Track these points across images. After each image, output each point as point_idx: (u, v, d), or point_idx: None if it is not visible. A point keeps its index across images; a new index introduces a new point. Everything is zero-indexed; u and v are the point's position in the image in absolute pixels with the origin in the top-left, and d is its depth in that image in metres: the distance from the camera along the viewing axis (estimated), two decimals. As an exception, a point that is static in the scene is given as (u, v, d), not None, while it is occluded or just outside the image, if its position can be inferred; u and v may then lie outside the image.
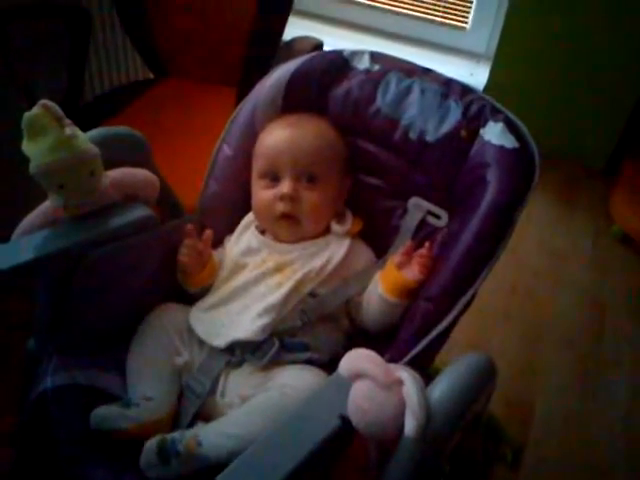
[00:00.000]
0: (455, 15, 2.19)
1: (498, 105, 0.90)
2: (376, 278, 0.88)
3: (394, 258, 0.86)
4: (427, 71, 0.96)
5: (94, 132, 0.88)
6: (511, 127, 0.86)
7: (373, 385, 0.57)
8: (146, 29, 1.64)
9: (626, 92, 1.95)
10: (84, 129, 0.87)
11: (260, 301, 0.85)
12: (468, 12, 2.16)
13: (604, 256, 1.81)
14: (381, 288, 0.85)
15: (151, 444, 0.73)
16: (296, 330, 0.85)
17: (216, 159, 0.99)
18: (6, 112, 0.77)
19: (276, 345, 0.83)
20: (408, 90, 0.94)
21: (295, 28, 1.56)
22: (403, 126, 0.92)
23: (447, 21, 2.21)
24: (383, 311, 0.86)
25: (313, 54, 1.00)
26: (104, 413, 0.76)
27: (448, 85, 0.93)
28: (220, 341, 0.84)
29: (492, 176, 0.82)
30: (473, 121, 0.89)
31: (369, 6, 2.27)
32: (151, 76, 1.75)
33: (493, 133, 0.86)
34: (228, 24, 1.58)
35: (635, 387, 1.46)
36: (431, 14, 2.21)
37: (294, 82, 0.96)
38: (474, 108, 0.89)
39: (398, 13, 2.25)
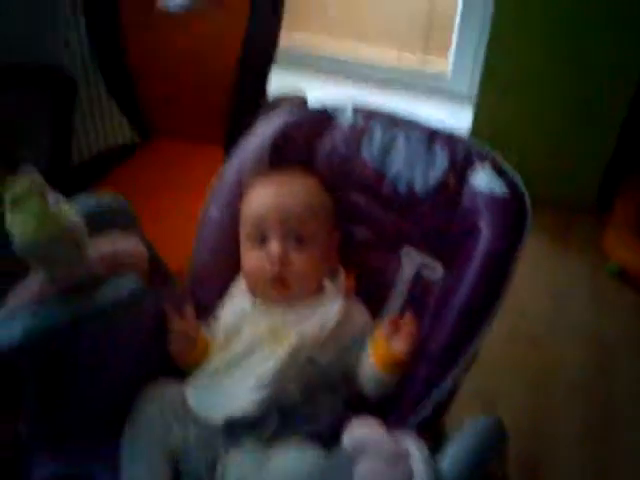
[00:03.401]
0: (435, 58, 2.21)
1: (484, 149, 0.89)
2: (367, 348, 0.85)
3: (381, 328, 0.84)
4: (410, 120, 0.96)
5: (80, 201, 0.86)
6: (499, 171, 0.85)
7: (377, 465, 0.54)
8: (130, 92, 1.65)
9: (610, 126, 1.96)
10: (71, 194, 0.86)
11: (256, 372, 0.82)
12: (448, 54, 2.19)
13: (603, 294, 1.78)
14: (372, 362, 0.83)
15: None
16: (296, 403, 0.81)
17: (204, 221, 0.97)
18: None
19: (275, 420, 0.79)
20: (393, 141, 0.93)
21: (277, 77, 1.57)
22: (390, 179, 0.91)
23: (427, 64, 2.23)
24: (377, 382, 0.83)
25: (296, 110, 0.99)
26: None
27: (432, 133, 0.92)
28: (216, 418, 0.81)
29: (484, 224, 0.81)
30: (460, 168, 0.88)
31: (349, 53, 2.29)
32: (138, 139, 1.75)
33: (482, 179, 0.85)
34: (211, 83, 1.59)
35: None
36: (412, 59, 2.24)
37: (279, 140, 0.96)
38: (460, 154, 0.89)
39: (377, 58, 2.27)
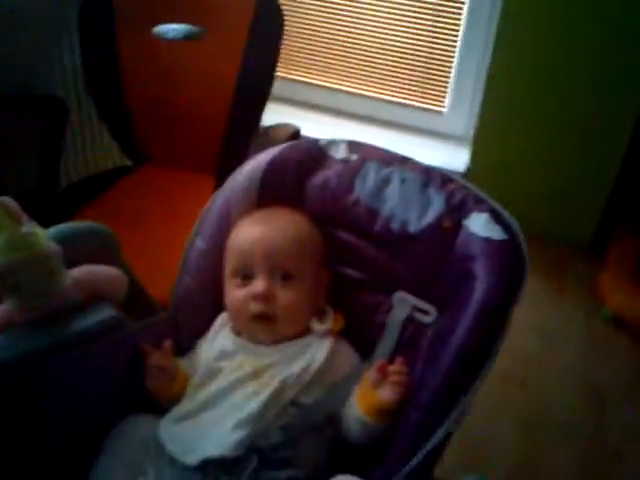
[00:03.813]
0: (432, 98, 2.22)
1: (481, 194, 0.87)
2: (354, 394, 0.81)
3: (369, 374, 0.80)
4: (406, 159, 0.93)
5: (57, 228, 0.83)
6: (497, 217, 0.83)
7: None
8: (122, 118, 1.63)
9: (608, 167, 1.95)
10: (61, 216, 0.83)
11: (236, 411, 0.78)
12: (444, 95, 2.19)
13: (597, 338, 1.75)
14: (358, 409, 0.79)
15: None
16: (277, 444, 0.77)
17: (188, 253, 0.94)
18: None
19: (254, 462, 0.74)
20: (387, 179, 0.90)
21: (272, 114, 1.56)
22: (384, 217, 0.89)
23: (424, 104, 2.23)
24: (363, 429, 0.79)
25: (288, 144, 0.97)
26: None
27: (428, 174, 0.90)
28: (192, 458, 0.76)
29: (480, 270, 0.78)
30: (456, 211, 0.85)
31: (345, 91, 2.30)
32: (129, 163, 1.72)
33: (478, 224, 0.82)
34: (204, 112, 1.57)
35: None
36: (408, 98, 2.24)
37: (269, 173, 0.93)
38: (456, 198, 0.86)
39: (374, 98, 2.28)
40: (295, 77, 2.33)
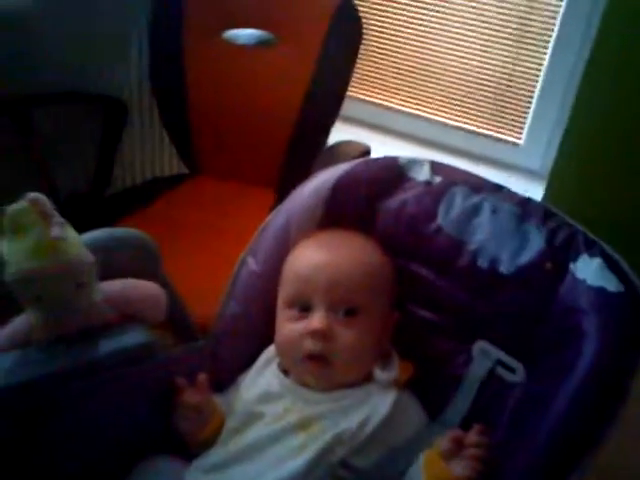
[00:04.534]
0: (508, 129, 2.08)
1: (591, 235, 0.72)
2: (418, 462, 0.66)
3: (441, 442, 0.65)
4: (499, 187, 0.80)
5: (95, 234, 0.73)
6: (611, 264, 0.68)
7: None
8: (184, 124, 1.56)
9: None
10: (107, 221, 0.74)
11: (276, 468, 0.65)
12: (522, 127, 2.05)
13: None
14: None
15: None
16: None
17: (239, 274, 0.82)
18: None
19: None
20: (476, 208, 0.77)
21: (339, 133, 1.46)
22: (470, 251, 0.75)
23: (500, 135, 2.09)
24: None
25: (362, 160, 0.85)
26: None
27: (525, 206, 0.76)
28: None
29: (591, 327, 0.63)
30: (560, 252, 0.71)
31: (418, 116, 2.18)
32: (185, 171, 1.65)
33: (589, 270, 0.67)
34: (270, 122, 1.49)
35: None
36: (483, 127, 2.11)
37: (338, 191, 0.81)
38: (561, 236, 0.72)
39: (447, 124, 2.15)
40: (365, 97, 2.23)
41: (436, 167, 0.83)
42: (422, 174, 0.81)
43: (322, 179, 0.83)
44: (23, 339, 0.66)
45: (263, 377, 0.76)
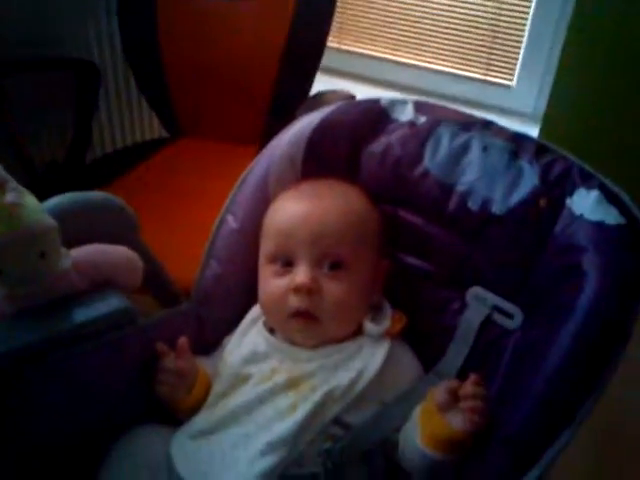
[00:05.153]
0: (499, 72, 2.01)
1: (588, 167, 0.67)
2: (415, 415, 0.63)
3: (436, 394, 0.61)
4: (488, 124, 0.75)
5: (57, 199, 0.68)
6: (610, 196, 0.63)
7: None
8: (161, 86, 1.51)
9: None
10: (88, 187, 0.70)
11: (264, 431, 0.62)
12: (513, 68, 1.98)
13: None
14: (419, 437, 0.60)
15: None
16: (315, 475, 0.61)
17: (218, 233, 0.78)
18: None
19: None
20: (465, 147, 0.73)
21: (323, 84, 1.40)
22: (459, 193, 0.71)
23: (490, 78, 2.03)
24: (425, 462, 0.60)
25: (342, 103, 0.80)
26: None
27: (517, 141, 0.72)
28: None
29: (590, 265, 0.59)
30: (555, 188, 0.66)
31: (405, 64, 2.10)
32: (166, 135, 1.59)
33: (586, 204, 0.63)
34: (249, 77, 1.43)
35: None
36: (473, 70, 2.04)
37: (317, 138, 0.76)
38: (556, 170, 0.67)
39: (435, 70, 2.08)
40: (348, 48, 2.15)
41: (420, 106, 0.78)
42: (405, 114, 0.77)
43: (301, 125, 0.78)
44: (-10, 313, 0.62)
45: (249, 337, 0.72)
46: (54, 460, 0.65)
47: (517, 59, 1.95)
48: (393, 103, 0.78)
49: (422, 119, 0.76)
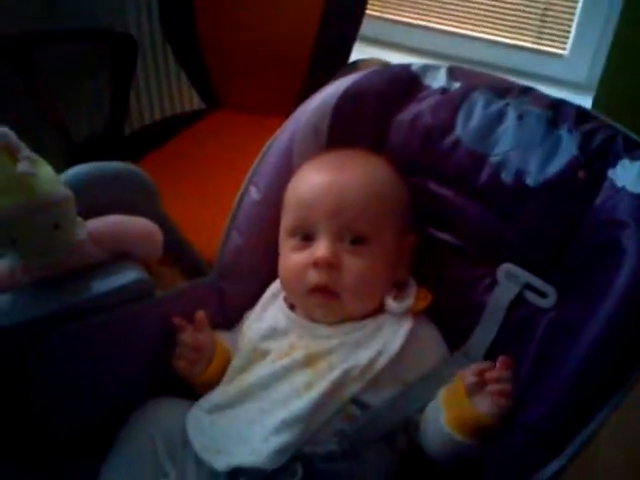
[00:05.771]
0: (551, 40, 1.91)
1: (634, 136, 0.62)
2: (439, 397, 0.60)
3: (464, 375, 0.58)
4: (526, 90, 0.70)
5: (74, 170, 0.67)
6: (657, 169, 0.58)
7: None
8: (198, 59, 1.49)
9: None
10: (123, 160, 0.69)
11: (280, 408, 0.61)
12: (567, 37, 1.88)
13: None
14: (445, 419, 0.58)
15: None
16: (331, 455, 0.59)
17: (240, 205, 0.76)
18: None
19: (298, 475, 0.57)
20: (500, 115, 0.68)
21: (359, 54, 1.36)
22: (492, 164, 0.66)
23: (542, 46, 1.93)
24: (449, 447, 0.58)
25: (371, 69, 0.76)
26: None
27: (557, 108, 0.67)
28: (221, 463, 0.60)
29: (631, 241, 0.55)
30: (596, 158, 0.62)
31: (449, 32, 2.02)
32: (203, 106, 1.58)
33: (629, 176, 0.58)
34: (287, 48, 1.41)
35: None
36: (523, 40, 1.94)
37: (343, 106, 0.73)
38: (597, 140, 0.62)
39: (483, 39, 1.99)
40: (391, 16, 2.07)
41: (454, 72, 0.73)
42: (438, 80, 0.72)
43: (326, 93, 0.75)
44: (7, 282, 0.62)
45: (269, 312, 0.71)
46: (72, 428, 0.66)
47: (571, 26, 1.85)
48: (426, 68, 0.74)
49: (456, 85, 0.72)
